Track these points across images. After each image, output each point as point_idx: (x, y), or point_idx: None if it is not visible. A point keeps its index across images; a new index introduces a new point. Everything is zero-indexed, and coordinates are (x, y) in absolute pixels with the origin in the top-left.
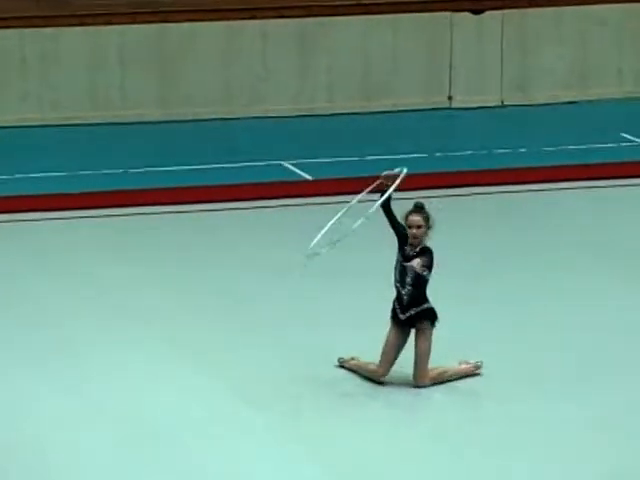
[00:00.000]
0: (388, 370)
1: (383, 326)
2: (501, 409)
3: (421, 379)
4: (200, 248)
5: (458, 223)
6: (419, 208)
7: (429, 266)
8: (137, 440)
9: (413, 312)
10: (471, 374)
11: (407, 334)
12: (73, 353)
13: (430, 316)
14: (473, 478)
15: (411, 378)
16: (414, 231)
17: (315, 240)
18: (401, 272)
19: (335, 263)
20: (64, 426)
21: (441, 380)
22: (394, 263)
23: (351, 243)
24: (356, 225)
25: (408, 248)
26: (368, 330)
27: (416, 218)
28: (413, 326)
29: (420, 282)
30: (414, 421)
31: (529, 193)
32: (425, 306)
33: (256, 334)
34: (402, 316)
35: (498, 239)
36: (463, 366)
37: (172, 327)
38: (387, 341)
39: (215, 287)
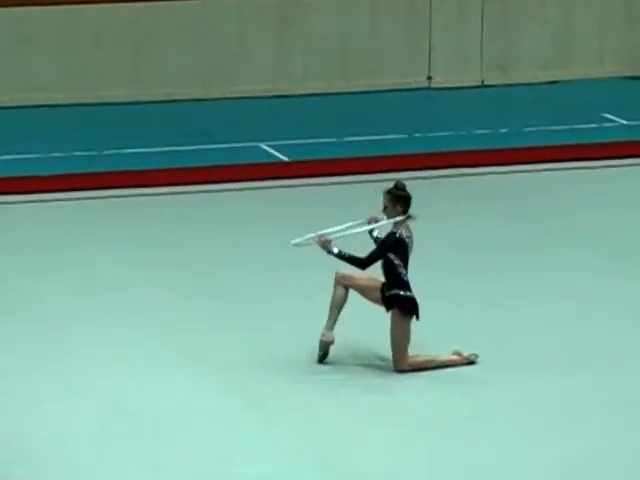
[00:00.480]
0: (346, 291)
1: (377, 321)
2: (483, 394)
3: (398, 364)
4: (175, 232)
5: (437, 206)
6: (390, 189)
7: (384, 249)
8: (132, 437)
9: (386, 295)
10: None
11: (377, 299)
12: (64, 349)
13: (399, 304)
14: (452, 461)
15: (379, 366)
16: (381, 210)
17: (300, 239)
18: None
19: (317, 254)
20: (60, 425)
21: (425, 367)
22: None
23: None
24: (339, 234)
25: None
26: (355, 323)
27: (382, 199)
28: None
29: (387, 266)
30: (393, 406)
31: (510, 175)
32: (393, 292)
33: (240, 321)
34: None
35: (478, 222)
36: (454, 357)
37: (151, 313)
38: (368, 278)
39: (192, 272)
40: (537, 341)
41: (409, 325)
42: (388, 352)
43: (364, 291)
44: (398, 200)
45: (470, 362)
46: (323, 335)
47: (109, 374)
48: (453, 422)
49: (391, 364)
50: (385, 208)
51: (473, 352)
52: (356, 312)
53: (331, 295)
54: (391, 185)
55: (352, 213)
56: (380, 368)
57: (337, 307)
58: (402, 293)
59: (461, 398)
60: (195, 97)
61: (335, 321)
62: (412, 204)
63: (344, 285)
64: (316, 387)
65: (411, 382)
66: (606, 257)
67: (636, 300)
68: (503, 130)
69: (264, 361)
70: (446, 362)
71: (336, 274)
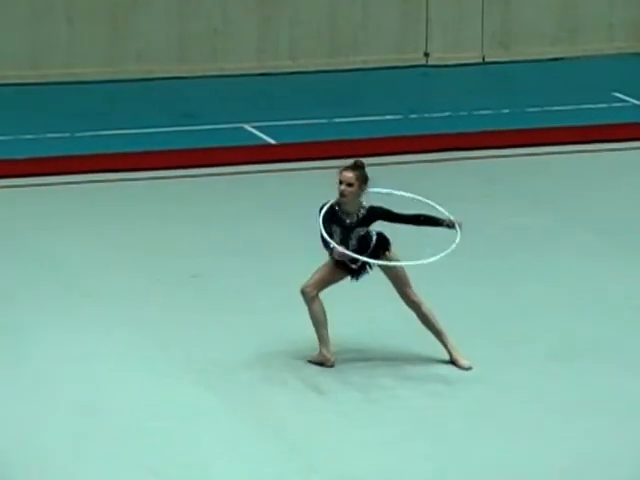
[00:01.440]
0: (317, 292)
1: (366, 319)
2: (479, 393)
3: (410, 297)
4: (153, 219)
5: (434, 191)
6: (356, 166)
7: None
8: (109, 440)
9: (370, 252)
10: (452, 359)
11: (345, 275)
12: (23, 337)
13: (382, 247)
14: (448, 464)
15: (368, 365)
16: (343, 188)
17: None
18: (343, 239)
19: (308, 245)
20: (29, 427)
21: (427, 324)
22: (321, 230)
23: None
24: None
25: (343, 215)
26: (336, 311)
27: (349, 175)
28: (366, 268)
29: (367, 236)
30: (382, 406)
31: (512, 158)
32: (372, 244)
33: (220, 315)
34: (354, 266)
35: (478, 208)
36: (455, 352)
37: (130, 307)
38: (324, 267)
39: (173, 263)
40: (535, 333)
41: (395, 254)
42: (379, 349)
43: (333, 278)
44: (365, 180)
45: (460, 365)
46: (324, 356)
47: (80, 372)
48: (448, 423)
49: (383, 361)
50: (349, 185)
51: (471, 363)
52: (345, 310)
53: (309, 315)
54: (351, 163)
55: None
56: (370, 367)
57: (323, 324)
58: (375, 238)
59: (455, 397)
60: (175, 75)
61: (328, 338)
62: (408, 189)
63: (316, 295)
64: (302, 387)
65: (401, 382)
66: (614, 245)
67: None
68: (505, 110)
69: (247, 359)
70: (446, 343)
71: (303, 291)
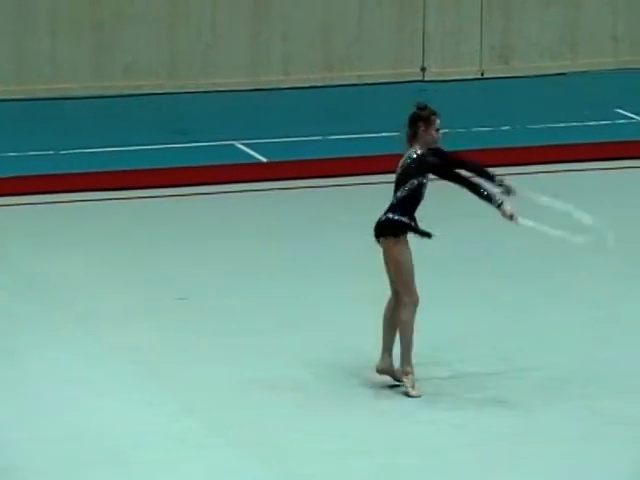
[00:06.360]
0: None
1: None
2: (484, 421)
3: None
4: (141, 240)
5: (432, 212)
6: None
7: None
8: (95, 465)
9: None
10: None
11: None
12: (10, 360)
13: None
14: None
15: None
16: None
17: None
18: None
19: (299, 265)
20: (17, 453)
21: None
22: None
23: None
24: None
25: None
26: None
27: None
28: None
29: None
30: (382, 431)
31: (512, 177)
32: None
33: (208, 336)
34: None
35: (480, 228)
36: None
37: (119, 330)
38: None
39: (160, 284)
40: (550, 357)
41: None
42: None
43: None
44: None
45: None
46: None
47: (68, 397)
48: (461, 452)
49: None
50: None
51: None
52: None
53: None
54: (425, 108)
55: (337, 221)
56: (376, 394)
57: None
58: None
59: (467, 426)
60: (163, 90)
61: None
62: None
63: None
64: (302, 412)
65: (418, 409)
66: (625, 265)
67: None
68: (505, 127)
69: (239, 384)
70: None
71: (414, 301)
